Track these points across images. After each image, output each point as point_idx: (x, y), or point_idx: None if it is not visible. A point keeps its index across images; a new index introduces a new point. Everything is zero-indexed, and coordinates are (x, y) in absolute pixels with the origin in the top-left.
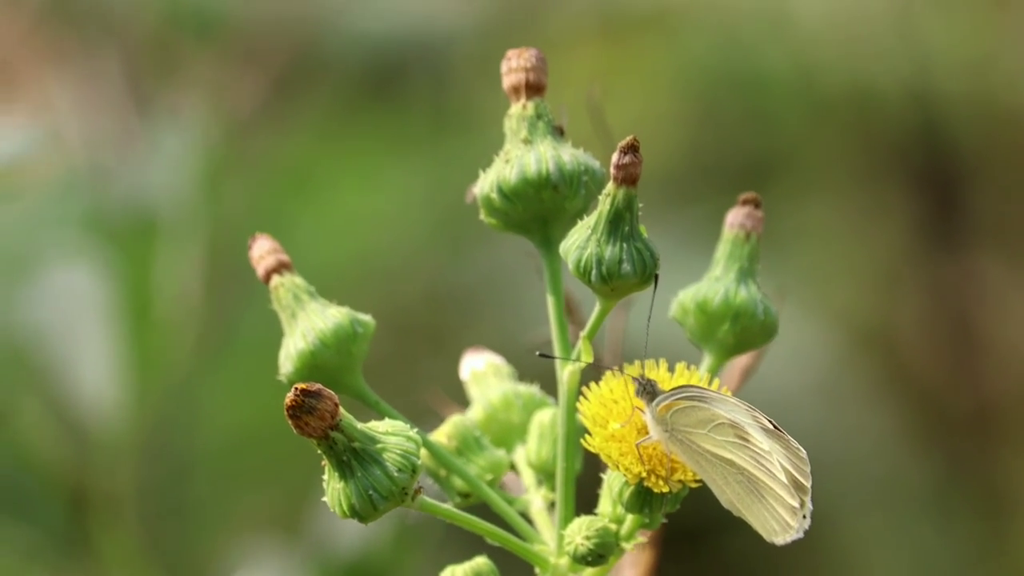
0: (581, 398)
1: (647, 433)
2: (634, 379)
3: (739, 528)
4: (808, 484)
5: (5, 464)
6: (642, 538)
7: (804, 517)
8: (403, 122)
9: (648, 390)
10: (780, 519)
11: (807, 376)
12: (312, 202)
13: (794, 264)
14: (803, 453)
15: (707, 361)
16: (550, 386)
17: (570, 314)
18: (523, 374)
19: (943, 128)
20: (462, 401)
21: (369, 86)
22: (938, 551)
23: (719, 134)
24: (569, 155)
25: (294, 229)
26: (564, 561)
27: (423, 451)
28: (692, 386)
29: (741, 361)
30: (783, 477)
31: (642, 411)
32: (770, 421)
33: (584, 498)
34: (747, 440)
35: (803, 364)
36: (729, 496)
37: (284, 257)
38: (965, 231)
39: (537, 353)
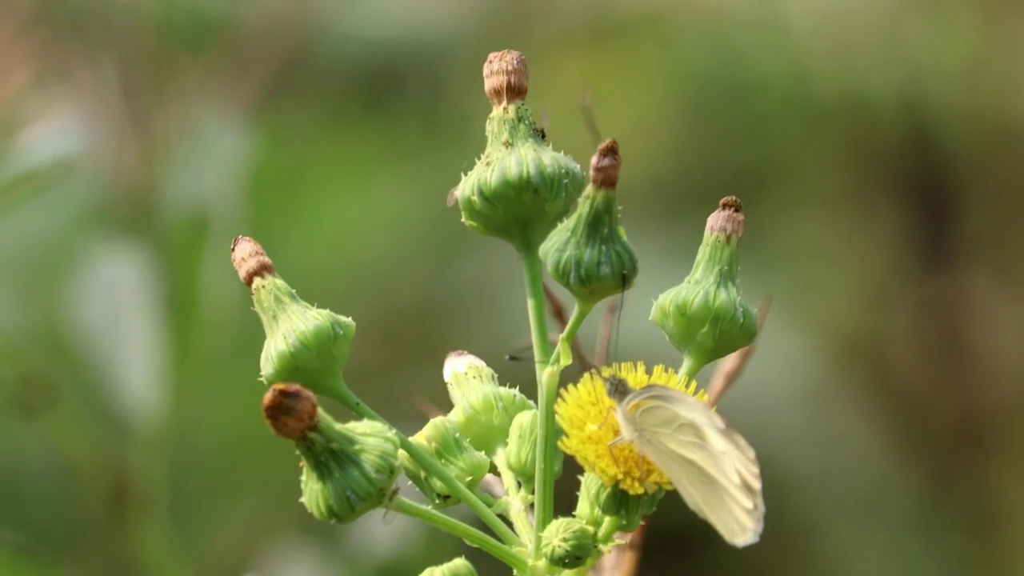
0: (558, 400)
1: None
2: (605, 379)
3: (721, 538)
4: (757, 486)
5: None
6: (620, 540)
7: (758, 520)
8: (396, 129)
9: (619, 389)
10: (738, 521)
11: (796, 386)
12: (304, 209)
13: (785, 276)
14: (752, 454)
15: (687, 364)
16: (534, 389)
17: (559, 318)
18: (509, 378)
19: (935, 139)
20: (451, 407)
21: (362, 93)
22: (924, 565)
23: (711, 142)
24: (550, 158)
25: (286, 236)
26: (542, 563)
27: (404, 453)
28: (658, 385)
29: (726, 367)
30: (736, 479)
31: (615, 411)
32: (723, 420)
33: (565, 500)
34: (704, 440)
35: (792, 374)
36: (694, 497)
37: (266, 259)
38: (955, 244)
39: (507, 357)
